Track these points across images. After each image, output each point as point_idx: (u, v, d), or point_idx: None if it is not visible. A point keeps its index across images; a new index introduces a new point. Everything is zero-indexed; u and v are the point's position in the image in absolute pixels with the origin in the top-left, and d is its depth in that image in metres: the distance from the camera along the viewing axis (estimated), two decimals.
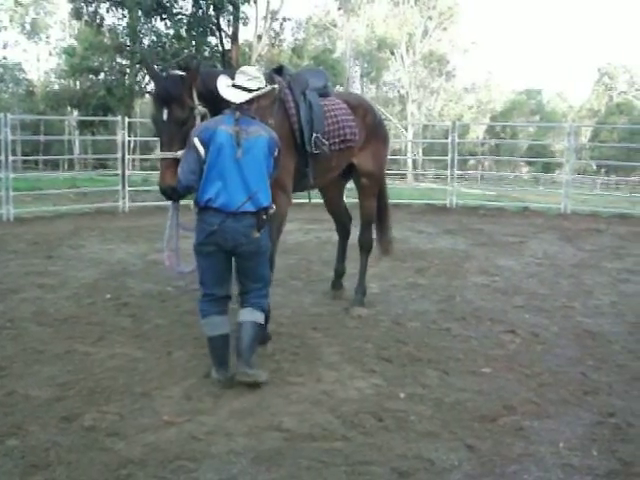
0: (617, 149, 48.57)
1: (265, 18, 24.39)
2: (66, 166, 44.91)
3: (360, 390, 4.56)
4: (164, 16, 21.29)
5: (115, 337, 5.65)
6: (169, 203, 5.24)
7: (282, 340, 5.62)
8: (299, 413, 4.14)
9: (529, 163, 54.12)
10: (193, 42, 20.99)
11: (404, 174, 36.66)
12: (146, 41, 22.51)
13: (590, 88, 79.13)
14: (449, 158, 16.32)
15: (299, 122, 5.65)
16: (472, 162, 57.42)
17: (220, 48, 21.58)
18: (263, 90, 4.70)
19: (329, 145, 5.87)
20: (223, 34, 21.31)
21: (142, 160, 41.44)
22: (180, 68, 5.16)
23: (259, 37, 24.13)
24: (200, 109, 4.98)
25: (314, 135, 5.71)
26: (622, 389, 4.70)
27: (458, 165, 16.87)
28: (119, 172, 15.04)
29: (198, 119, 4.93)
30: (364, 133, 6.45)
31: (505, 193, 18.68)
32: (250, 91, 4.61)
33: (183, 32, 21.15)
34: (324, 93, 6.09)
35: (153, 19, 21.67)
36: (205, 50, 21.40)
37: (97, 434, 3.81)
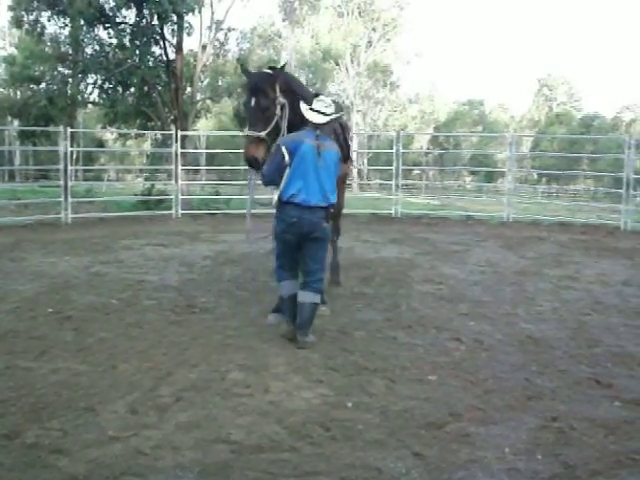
0: (557, 158, 49.67)
1: (210, 28, 24.22)
2: (6, 177, 43.93)
3: (307, 400, 4.55)
4: (107, 25, 20.99)
5: (57, 351, 5.53)
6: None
7: (229, 352, 5.58)
8: (247, 425, 4.11)
9: (472, 173, 55.01)
10: (137, 51, 20.74)
11: (349, 184, 36.74)
12: (89, 50, 22.16)
13: (531, 99, 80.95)
14: (394, 168, 16.48)
15: (345, 140, 7.40)
16: (416, 172, 57.99)
17: (164, 58, 21.38)
18: (335, 115, 6.11)
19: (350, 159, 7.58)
20: (167, 44, 21.11)
21: (85, 171, 40.83)
22: (269, 68, 6.55)
23: (204, 47, 23.95)
24: (280, 100, 6.25)
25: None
26: (565, 394, 4.78)
27: (403, 175, 17.06)
28: (61, 183, 14.79)
29: (278, 108, 6.24)
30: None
31: (449, 202, 18.95)
32: (327, 115, 5.93)
33: (126, 41, 20.89)
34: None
35: (96, 28, 21.34)
36: (149, 60, 21.18)
37: (40, 451, 3.72)
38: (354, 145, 51.62)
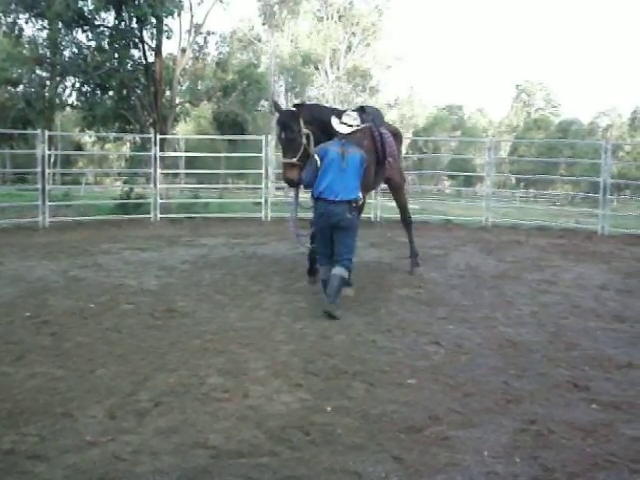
0: (535, 163, 49.89)
1: (189, 32, 24.11)
2: None
3: (287, 404, 4.54)
4: (85, 28, 20.84)
5: (35, 356, 5.48)
6: None
7: (208, 356, 5.56)
8: (226, 429, 4.10)
9: (451, 177, 55.23)
10: (115, 55, 20.59)
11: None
12: (67, 53, 21.98)
13: (509, 104, 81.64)
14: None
15: (382, 145, 8.65)
16: None
17: (143, 61, 21.27)
18: (359, 127, 7.50)
19: (388, 161, 8.81)
20: (146, 47, 21.00)
21: (63, 174, 40.60)
22: (294, 106, 8.19)
23: (183, 50, 23.82)
24: (304, 131, 7.76)
25: (387, 155, 8.73)
26: (543, 397, 4.81)
27: None
28: (39, 187, 14.68)
29: (304, 138, 7.75)
30: (398, 152, 9.58)
31: (428, 206, 19.04)
32: (351, 127, 7.35)
33: (105, 44, 20.73)
34: (381, 124, 9.02)
35: (74, 31, 21.16)
36: (128, 63, 21.05)
37: (17, 457, 3.68)
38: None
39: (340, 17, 55.18)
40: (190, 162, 48.54)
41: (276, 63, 52.81)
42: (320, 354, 5.68)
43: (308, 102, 8.25)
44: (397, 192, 10.02)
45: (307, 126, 7.79)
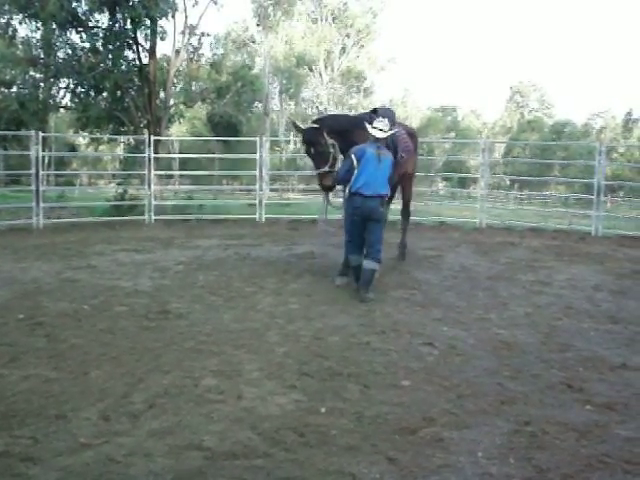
0: (529, 165, 50.01)
1: (183, 33, 24.05)
2: None
3: (281, 406, 4.54)
4: (79, 29, 20.80)
5: (29, 358, 5.47)
6: None
7: (202, 358, 5.56)
8: (220, 431, 4.09)
9: (445, 178, 55.20)
10: (110, 56, 20.53)
11: None
12: (61, 54, 21.88)
13: (503, 106, 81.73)
14: None
15: (394, 145, 9.10)
16: None
17: (137, 62, 21.22)
18: (391, 132, 8.43)
19: (401, 156, 9.51)
20: (140, 48, 20.96)
21: (57, 176, 40.51)
22: (313, 122, 9.14)
23: (177, 52, 23.75)
24: (329, 141, 8.67)
25: (400, 152, 9.36)
26: (537, 398, 4.82)
27: None
28: (33, 188, 14.67)
29: (330, 147, 8.68)
30: (414, 149, 10.46)
31: (423, 208, 18.95)
32: (385, 132, 8.19)
33: (99, 45, 20.69)
34: (394, 123, 9.28)
35: (68, 32, 21.10)
36: (122, 64, 20.98)
37: (10, 460, 3.67)
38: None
39: (334, 19, 55.32)
40: (184, 163, 48.53)
41: (270, 64, 52.89)
42: (314, 355, 5.68)
43: (322, 115, 9.41)
44: (405, 183, 10.87)
45: (330, 136, 8.70)
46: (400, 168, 9.66)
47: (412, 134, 10.71)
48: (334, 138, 8.75)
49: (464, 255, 11.62)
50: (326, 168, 8.66)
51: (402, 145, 9.64)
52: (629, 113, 72.08)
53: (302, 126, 9.23)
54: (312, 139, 8.72)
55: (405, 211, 11.38)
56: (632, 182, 40.33)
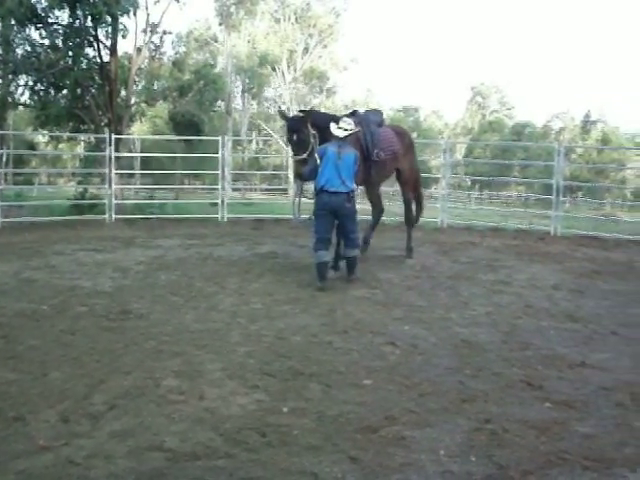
0: (490, 165, 50.43)
1: (145, 31, 23.75)
2: None
3: (243, 406, 4.53)
4: (39, 25, 20.45)
5: None
6: None
7: (163, 358, 5.52)
8: (181, 432, 4.07)
9: None
10: (70, 53, 20.19)
11: (285, 189, 36.87)
12: (19, 51, 21.48)
13: (464, 106, 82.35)
14: None
15: (366, 144, 9.70)
16: None
17: (98, 60, 20.92)
18: (353, 131, 8.95)
19: (384, 155, 9.94)
20: (101, 46, 20.66)
21: (15, 174, 39.87)
22: (301, 112, 9.94)
23: (139, 50, 23.47)
24: (311, 132, 9.15)
25: (376, 150, 9.79)
26: (498, 396, 4.87)
27: None
28: None
29: (311, 137, 9.15)
30: (404, 148, 10.64)
31: (385, 207, 18.96)
32: (347, 131, 8.79)
33: (59, 42, 20.36)
34: (380, 124, 10.39)
35: (27, 28, 20.74)
36: (82, 62, 20.66)
37: None
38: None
39: (297, 18, 55.17)
40: (146, 162, 48.07)
41: (233, 64, 52.67)
42: (276, 355, 5.68)
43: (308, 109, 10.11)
44: (404, 186, 11.15)
45: (313, 128, 9.22)
46: (383, 167, 10.12)
47: (401, 133, 11.03)
48: (315, 131, 9.23)
49: (425, 255, 11.68)
50: (304, 155, 9.07)
51: (385, 144, 10.01)
52: (587, 115, 73.14)
53: (289, 114, 9.94)
54: (296, 126, 9.22)
55: (407, 215, 11.44)
56: (590, 183, 40.94)
